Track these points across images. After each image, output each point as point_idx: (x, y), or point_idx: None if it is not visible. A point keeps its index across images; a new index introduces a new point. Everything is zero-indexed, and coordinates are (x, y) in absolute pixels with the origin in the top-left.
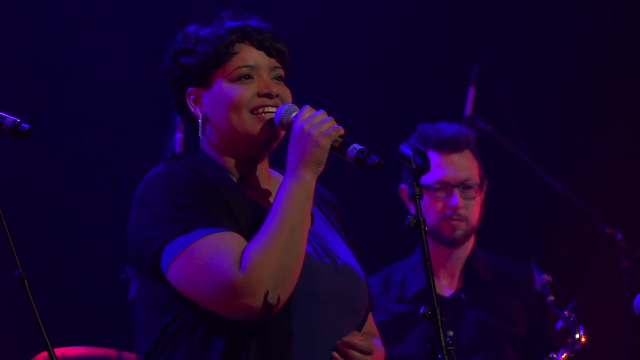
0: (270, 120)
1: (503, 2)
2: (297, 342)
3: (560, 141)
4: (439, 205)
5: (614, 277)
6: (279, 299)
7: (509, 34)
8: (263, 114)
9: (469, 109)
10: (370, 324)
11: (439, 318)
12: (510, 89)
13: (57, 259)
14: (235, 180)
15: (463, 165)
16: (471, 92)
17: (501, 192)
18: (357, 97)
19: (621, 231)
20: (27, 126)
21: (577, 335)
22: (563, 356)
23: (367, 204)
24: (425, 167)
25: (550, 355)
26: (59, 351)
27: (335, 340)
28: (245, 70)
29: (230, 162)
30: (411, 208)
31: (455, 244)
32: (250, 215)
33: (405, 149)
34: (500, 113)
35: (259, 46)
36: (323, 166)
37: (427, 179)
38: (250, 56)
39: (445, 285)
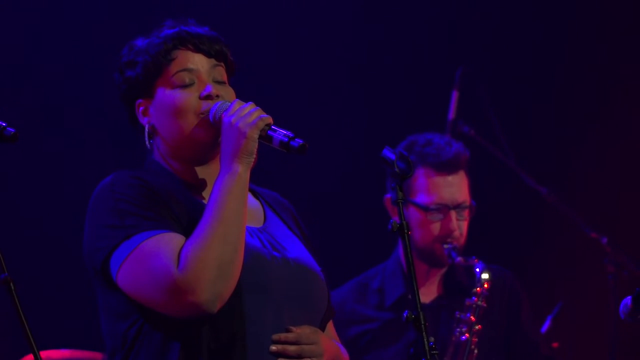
0: (209, 121)
1: (488, 4)
2: (252, 337)
3: (544, 145)
4: (435, 226)
5: (600, 282)
6: (220, 294)
7: (493, 37)
8: (205, 116)
9: (452, 113)
10: (329, 328)
11: (422, 322)
12: (494, 93)
13: (43, 261)
14: (186, 185)
15: (459, 188)
16: (454, 96)
17: (485, 196)
18: (338, 101)
19: (606, 236)
20: (12, 130)
21: (484, 275)
22: (475, 300)
23: (343, 205)
24: (408, 171)
25: (457, 315)
26: (44, 354)
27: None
28: (184, 75)
29: (180, 168)
30: (415, 225)
31: (444, 266)
32: (197, 218)
33: (388, 153)
34: (483, 117)
35: (196, 49)
36: (255, 157)
37: (424, 198)
38: (188, 59)
39: (426, 293)
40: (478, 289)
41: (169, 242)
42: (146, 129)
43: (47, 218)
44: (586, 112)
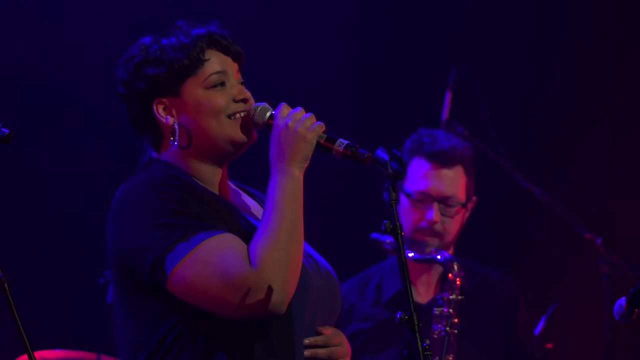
0: (246, 122)
1: (481, 5)
2: (299, 341)
3: (538, 145)
4: (417, 215)
5: (594, 282)
6: (289, 294)
7: (487, 38)
8: (240, 117)
9: (445, 113)
10: None
11: (416, 323)
12: (487, 93)
13: (36, 262)
14: (206, 185)
15: (449, 182)
16: (448, 96)
17: (479, 197)
18: (333, 101)
19: (601, 236)
20: (7, 131)
21: (455, 267)
22: (452, 296)
23: (344, 206)
24: (401, 172)
25: (435, 312)
26: (38, 354)
27: None
28: (218, 77)
29: (198, 170)
30: (404, 218)
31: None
32: (235, 217)
33: (381, 153)
34: (477, 117)
35: (226, 51)
36: (309, 162)
37: (411, 186)
38: (220, 62)
39: (422, 293)
40: (450, 275)
41: (233, 241)
42: (176, 128)
43: (42, 218)
44: (580, 113)
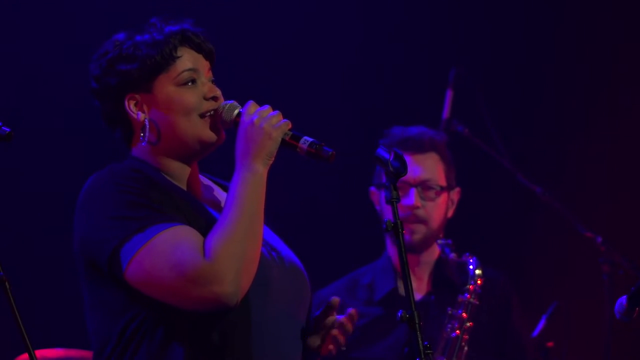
0: (216, 122)
1: (481, 4)
2: (257, 335)
3: (539, 144)
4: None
5: (595, 281)
6: (242, 288)
7: (487, 37)
8: (209, 116)
9: (446, 112)
10: None
11: (417, 322)
12: (488, 92)
13: (37, 261)
14: (174, 181)
15: (425, 166)
16: (449, 95)
17: (479, 196)
18: (333, 99)
19: (601, 235)
20: (7, 130)
21: (478, 271)
22: (467, 297)
23: (336, 205)
24: (402, 170)
25: (448, 311)
26: (39, 353)
27: (288, 332)
28: (189, 74)
29: (167, 166)
30: (386, 210)
31: (414, 249)
32: (196, 213)
33: (382, 152)
34: (478, 116)
35: (198, 49)
36: (273, 158)
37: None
38: (192, 59)
39: (415, 289)
40: (471, 286)
41: (189, 233)
42: (147, 123)
43: (42, 217)
44: (580, 111)
